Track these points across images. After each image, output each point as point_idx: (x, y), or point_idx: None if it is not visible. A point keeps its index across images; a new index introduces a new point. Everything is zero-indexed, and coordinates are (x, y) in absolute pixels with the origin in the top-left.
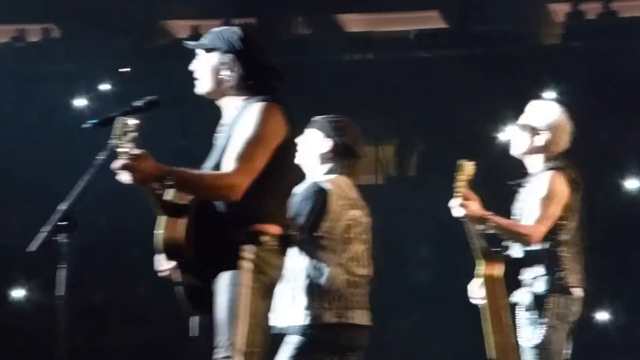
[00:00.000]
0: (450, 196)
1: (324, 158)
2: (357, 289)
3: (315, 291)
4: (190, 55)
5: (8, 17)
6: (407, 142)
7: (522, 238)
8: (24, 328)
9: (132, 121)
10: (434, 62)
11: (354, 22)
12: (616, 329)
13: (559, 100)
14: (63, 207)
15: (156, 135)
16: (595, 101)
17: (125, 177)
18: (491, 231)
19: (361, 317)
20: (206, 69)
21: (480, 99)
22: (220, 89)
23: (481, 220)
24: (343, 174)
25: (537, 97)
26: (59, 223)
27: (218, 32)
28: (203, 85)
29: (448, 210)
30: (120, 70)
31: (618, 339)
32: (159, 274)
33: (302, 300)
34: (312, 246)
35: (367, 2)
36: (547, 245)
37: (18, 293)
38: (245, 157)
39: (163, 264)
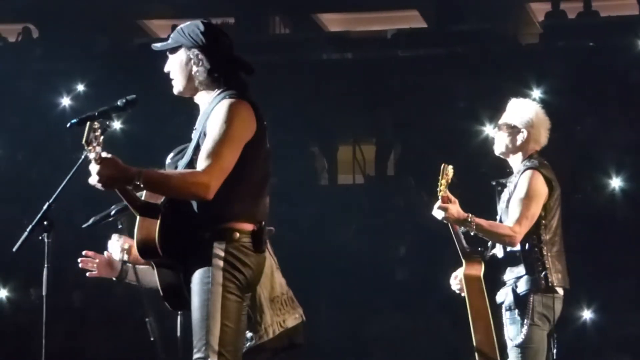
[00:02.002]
0: (428, 195)
1: None
2: (289, 288)
3: (271, 299)
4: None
5: None
6: (385, 142)
7: (503, 238)
8: (2, 328)
9: (99, 124)
10: (413, 62)
11: (333, 22)
12: (594, 329)
13: (539, 99)
14: (44, 206)
15: (135, 134)
16: (575, 100)
17: (93, 181)
18: (472, 232)
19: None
20: (175, 67)
21: (459, 98)
22: (191, 85)
23: (462, 222)
24: None
25: (517, 96)
26: (40, 223)
27: (181, 29)
28: (177, 84)
29: (426, 209)
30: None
31: (595, 338)
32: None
33: None
34: None
35: (346, 1)
36: (528, 245)
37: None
38: (214, 155)
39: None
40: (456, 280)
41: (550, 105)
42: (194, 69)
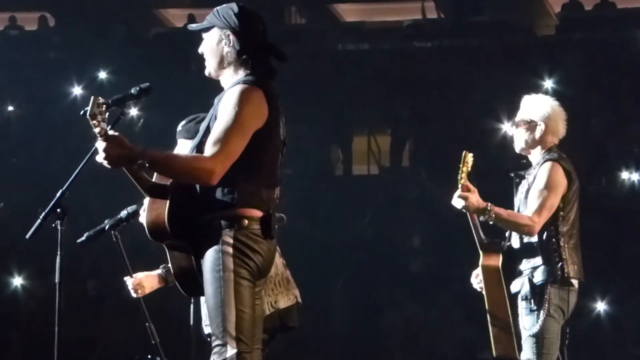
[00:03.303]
0: (444, 187)
1: None
2: (287, 270)
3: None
4: (186, 43)
5: (3, 4)
6: (400, 133)
7: (521, 228)
8: (16, 316)
9: (104, 100)
10: (429, 53)
11: (349, 12)
12: (608, 321)
13: (554, 91)
14: (58, 194)
15: (151, 123)
16: (591, 92)
17: (99, 158)
18: (491, 222)
19: (299, 294)
20: (208, 47)
21: (475, 90)
22: (221, 65)
23: (481, 211)
24: None
25: (533, 87)
26: (54, 210)
27: (216, 10)
28: (208, 65)
29: (442, 201)
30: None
31: (610, 330)
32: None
33: None
34: None
35: None
36: (546, 236)
37: (15, 281)
38: (221, 141)
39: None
40: (477, 279)
41: (565, 97)
42: (225, 49)
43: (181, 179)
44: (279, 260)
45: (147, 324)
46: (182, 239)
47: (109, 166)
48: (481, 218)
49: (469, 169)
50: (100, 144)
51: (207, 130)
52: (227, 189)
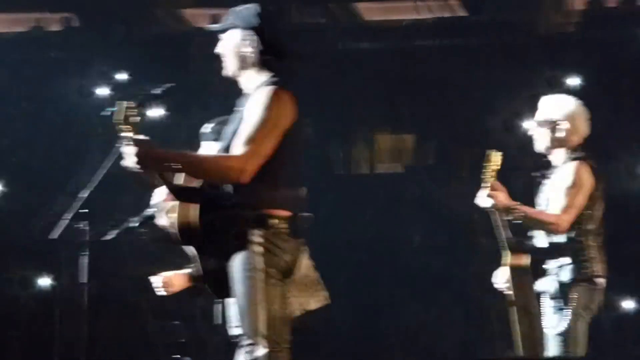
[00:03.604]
0: (458, 187)
1: None
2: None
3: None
4: (211, 43)
5: (28, 6)
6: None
7: (549, 227)
8: (45, 316)
9: (133, 105)
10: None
11: (369, 10)
12: (635, 319)
13: (575, 91)
14: (83, 194)
15: (173, 123)
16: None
17: (128, 163)
18: (518, 221)
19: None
20: (229, 48)
21: (496, 88)
22: (242, 65)
23: (508, 210)
24: None
25: (550, 86)
26: (79, 210)
27: (237, 11)
28: (228, 65)
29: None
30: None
31: (637, 328)
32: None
33: None
34: None
35: None
36: (573, 235)
37: (43, 281)
38: (252, 140)
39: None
40: (503, 279)
41: (584, 96)
42: (247, 49)
43: (212, 178)
44: (308, 262)
45: (175, 322)
46: (212, 241)
47: (139, 171)
48: (509, 217)
49: (499, 167)
50: (130, 149)
51: (236, 132)
52: (256, 189)
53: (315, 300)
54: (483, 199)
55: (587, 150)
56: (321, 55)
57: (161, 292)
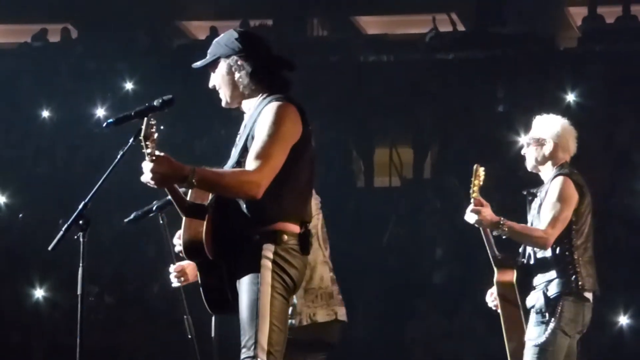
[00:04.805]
0: (465, 199)
1: None
2: (336, 286)
3: (307, 289)
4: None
5: (28, 16)
6: (422, 145)
7: (535, 241)
8: (40, 327)
9: (155, 120)
10: (451, 64)
11: (372, 24)
12: (631, 334)
13: (577, 104)
14: (80, 205)
15: (176, 136)
16: (613, 104)
17: (146, 179)
18: (505, 236)
19: (344, 313)
20: (219, 79)
21: (497, 101)
22: (237, 92)
23: (494, 225)
24: None
25: (556, 99)
26: (76, 221)
27: (216, 41)
28: (224, 96)
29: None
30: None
31: (632, 344)
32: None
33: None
34: None
35: (384, 4)
36: (560, 250)
37: (37, 292)
38: (264, 155)
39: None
40: (492, 297)
41: (588, 109)
42: (236, 75)
43: (229, 194)
44: (328, 274)
45: (185, 317)
46: (220, 257)
47: (155, 186)
48: (495, 232)
49: (481, 182)
50: (148, 165)
51: (245, 150)
52: (266, 204)
53: (325, 314)
54: (468, 214)
55: (574, 167)
56: (343, 67)
57: (175, 282)
